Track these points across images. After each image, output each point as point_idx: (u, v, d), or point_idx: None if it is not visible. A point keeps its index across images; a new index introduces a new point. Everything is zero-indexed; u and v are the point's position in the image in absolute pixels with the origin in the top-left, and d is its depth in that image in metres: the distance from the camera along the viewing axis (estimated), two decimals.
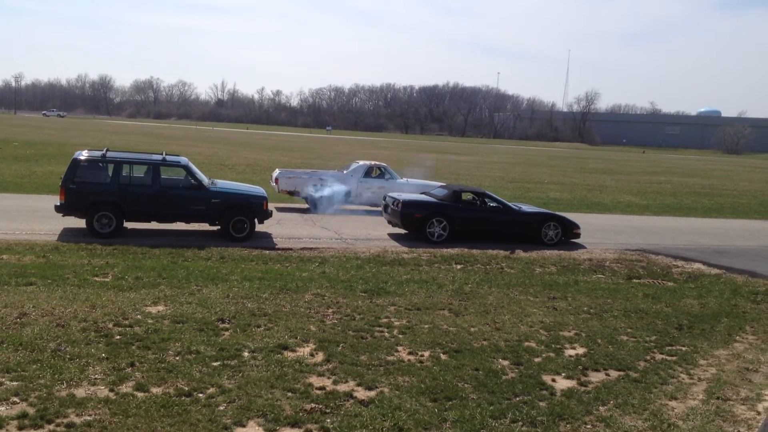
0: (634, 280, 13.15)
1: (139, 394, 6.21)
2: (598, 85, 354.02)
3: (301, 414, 6.06)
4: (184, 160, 14.93)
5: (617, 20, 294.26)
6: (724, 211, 28.06)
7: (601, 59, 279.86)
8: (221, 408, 6.07)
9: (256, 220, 14.61)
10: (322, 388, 6.69)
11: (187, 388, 6.40)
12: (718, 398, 7.23)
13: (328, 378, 6.98)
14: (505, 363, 7.86)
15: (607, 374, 7.81)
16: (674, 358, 8.54)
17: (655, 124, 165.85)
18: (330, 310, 9.46)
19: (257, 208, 14.63)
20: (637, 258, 15.33)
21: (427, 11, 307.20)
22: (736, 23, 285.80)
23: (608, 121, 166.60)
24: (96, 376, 6.55)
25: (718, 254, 16.65)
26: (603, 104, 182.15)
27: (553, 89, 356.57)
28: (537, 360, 8.06)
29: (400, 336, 8.56)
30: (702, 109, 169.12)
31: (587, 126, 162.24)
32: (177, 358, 7.19)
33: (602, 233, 18.86)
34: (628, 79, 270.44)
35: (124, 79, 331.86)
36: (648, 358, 8.48)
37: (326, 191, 19.36)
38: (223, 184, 15.74)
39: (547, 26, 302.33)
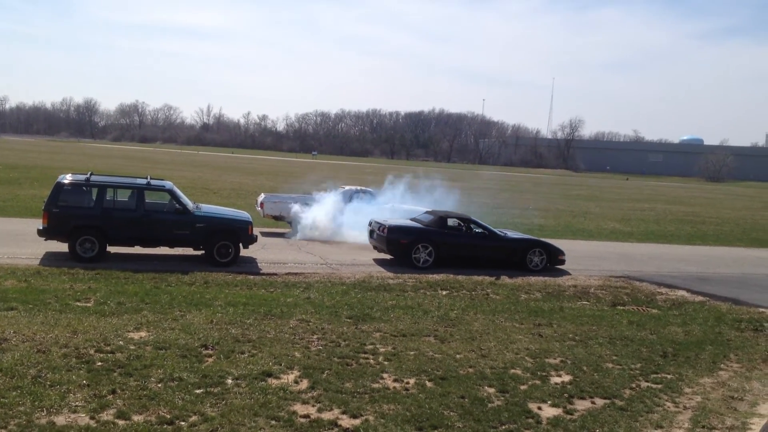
0: (619, 307, 13.19)
1: (121, 422, 6.11)
2: (582, 113, 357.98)
3: None
4: (168, 184, 14.88)
5: (601, 49, 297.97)
6: (707, 238, 28.30)
7: (584, 87, 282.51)
8: None
9: (240, 244, 14.54)
10: (306, 416, 6.62)
11: (169, 416, 6.31)
12: (703, 427, 7.23)
13: (313, 406, 6.92)
14: (491, 390, 7.84)
15: (593, 402, 7.79)
16: (659, 386, 8.56)
17: (638, 151, 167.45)
18: (315, 337, 9.40)
19: (242, 232, 14.58)
20: (621, 285, 15.40)
21: (412, 38, 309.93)
22: (718, 53, 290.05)
23: (592, 148, 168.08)
24: (77, 403, 6.45)
25: (701, 281, 16.76)
26: (587, 131, 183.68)
27: (538, 116, 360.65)
28: (523, 387, 8.04)
29: (386, 363, 8.51)
30: (684, 137, 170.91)
31: (571, 153, 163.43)
32: (159, 385, 7.10)
33: (587, 260, 18.95)
34: (612, 107, 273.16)
35: (109, 102, 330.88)
36: (633, 385, 8.48)
37: (312, 216, 19.31)
38: (208, 208, 15.69)
39: (531, 54, 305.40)
